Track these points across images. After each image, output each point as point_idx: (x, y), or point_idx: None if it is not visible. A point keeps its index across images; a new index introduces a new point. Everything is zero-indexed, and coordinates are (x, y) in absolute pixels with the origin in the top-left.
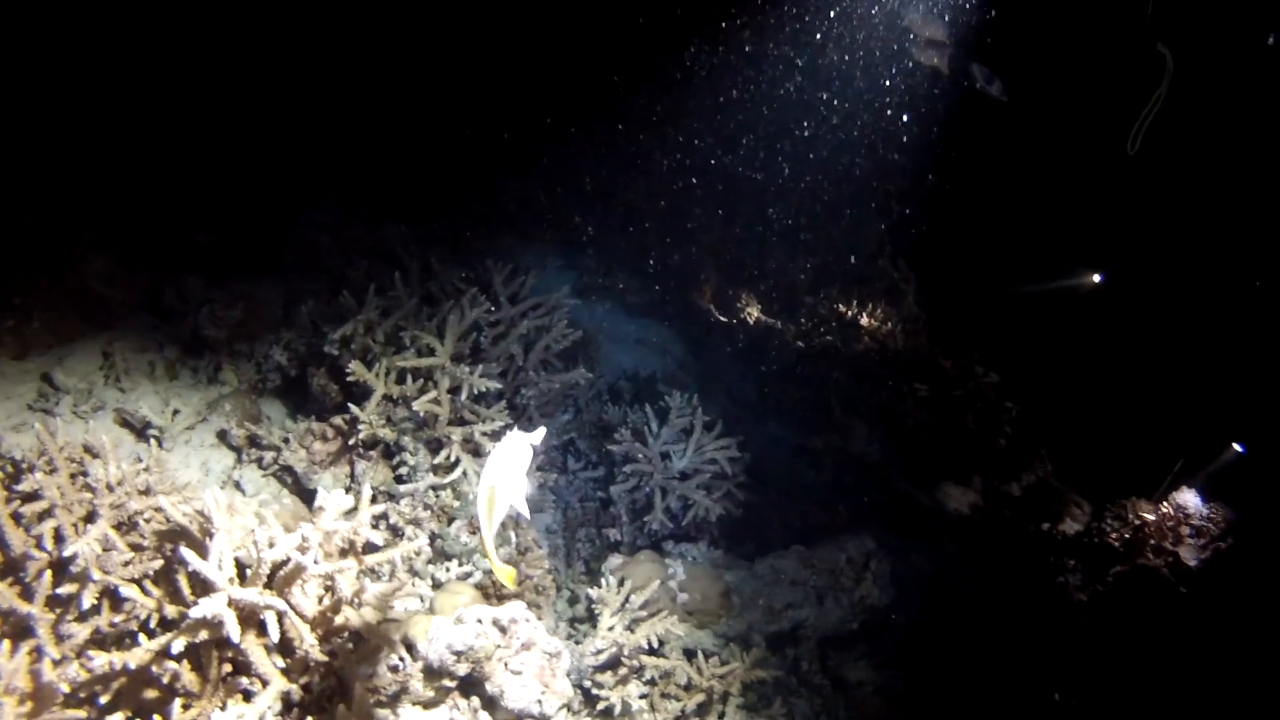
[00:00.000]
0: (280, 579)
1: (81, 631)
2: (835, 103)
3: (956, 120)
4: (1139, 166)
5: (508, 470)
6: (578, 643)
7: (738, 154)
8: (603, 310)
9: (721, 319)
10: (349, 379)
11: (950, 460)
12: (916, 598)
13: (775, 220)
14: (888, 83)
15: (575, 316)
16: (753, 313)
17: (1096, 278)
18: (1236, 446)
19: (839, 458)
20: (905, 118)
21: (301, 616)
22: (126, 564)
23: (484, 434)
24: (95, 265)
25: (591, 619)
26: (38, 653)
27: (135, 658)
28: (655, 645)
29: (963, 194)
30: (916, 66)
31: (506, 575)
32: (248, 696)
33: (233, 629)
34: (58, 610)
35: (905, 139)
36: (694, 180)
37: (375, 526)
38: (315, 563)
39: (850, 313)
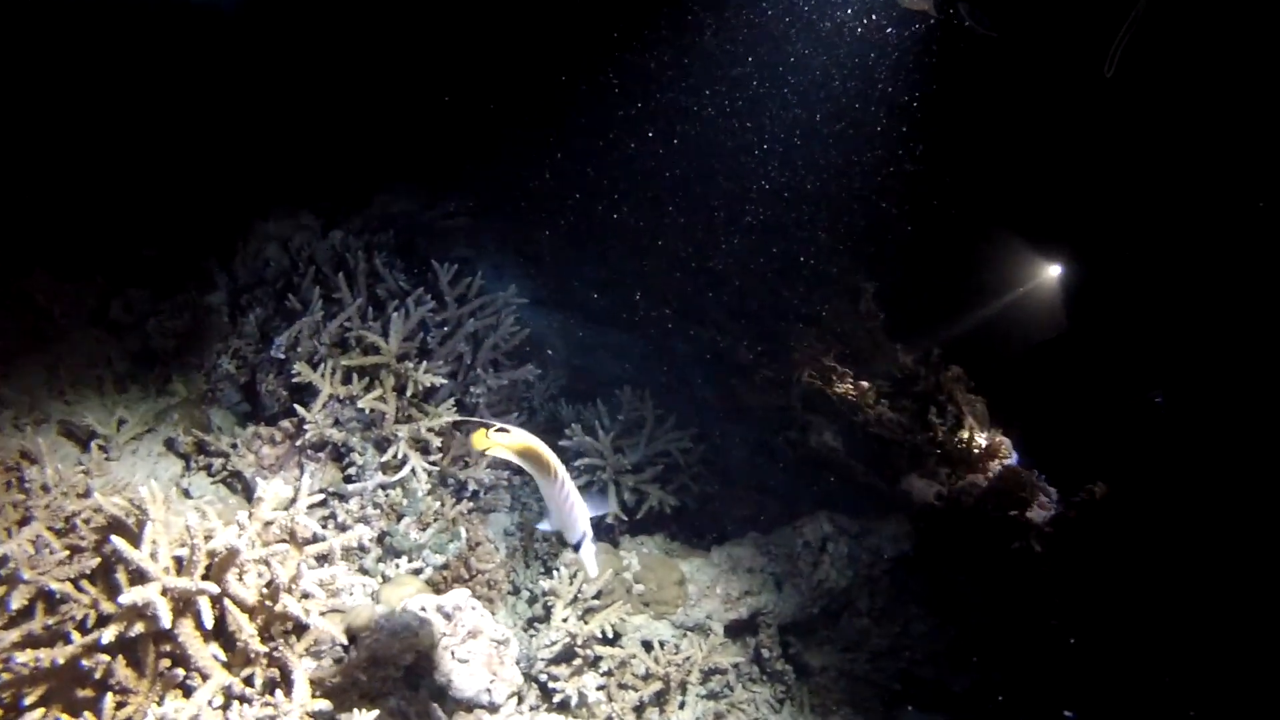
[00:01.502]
0: (216, 566)
1: (10, 635)
2: (794, 102)
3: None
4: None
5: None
6: (533, 638)
7: (697, 157)
8: (560, 317)
9: (682, 322)
10: (295, 380)
11: (913, 453)
12: (878, 580)
13: (734, 221)
14: (850, 76)
15: (531, 322)
16: (713, 315)
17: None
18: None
19: (800, 453)
20: (871, 108)
21: (240, 606)
22: (61, 564)
23: (430, 429)
24: (39, 280)
25: (548, 618)
26: None
27: (64, 653)
28: (611, 635)
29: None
30: (902, 14)
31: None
32: (187, 692)
33: (164, 615)
34: None
35: (873, 130)
36: (653, 183)
37: (323, 525)
38: (251, 547)
39: (809, 311)
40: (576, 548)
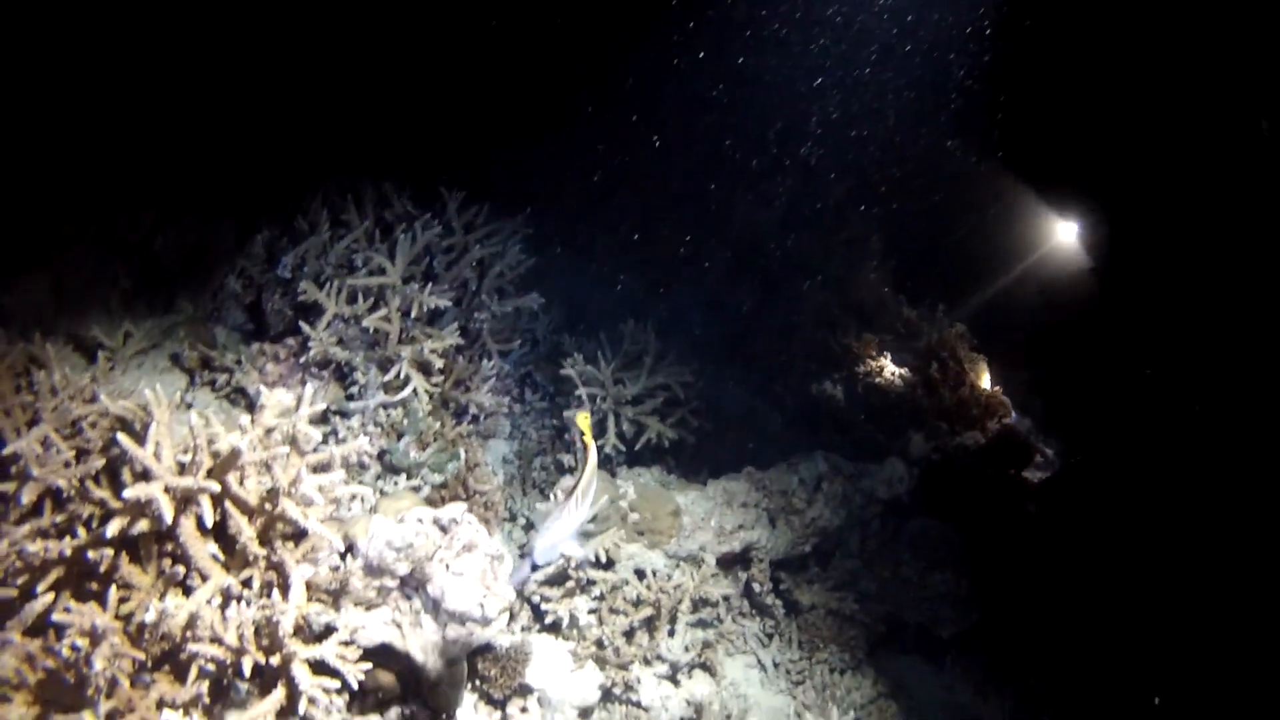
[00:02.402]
0: (218, 467)
1: (21, 529)
2: (808, 48)
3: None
4: None
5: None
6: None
7: (705, 100)
8: (565, 257)
9: (686, 266)
10: (301, 299)
11: (913, 407)
12: (869, 523)
13: (743, 168)
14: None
15: (536, 263)
16: (718, 259)
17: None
18: None
19: (799, 400)
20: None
21: (240, 508)
22: (68, 465)
23: (433, 351)
24: (46, 198)
25: None
26: None
27: (71, 545)
28: (605, 561)
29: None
30: None
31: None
32: (187, 591)
33: (166, 512)
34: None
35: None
36: (660, 126)
37: (324, 442)
38: (252, 449)
39: (815, 261)
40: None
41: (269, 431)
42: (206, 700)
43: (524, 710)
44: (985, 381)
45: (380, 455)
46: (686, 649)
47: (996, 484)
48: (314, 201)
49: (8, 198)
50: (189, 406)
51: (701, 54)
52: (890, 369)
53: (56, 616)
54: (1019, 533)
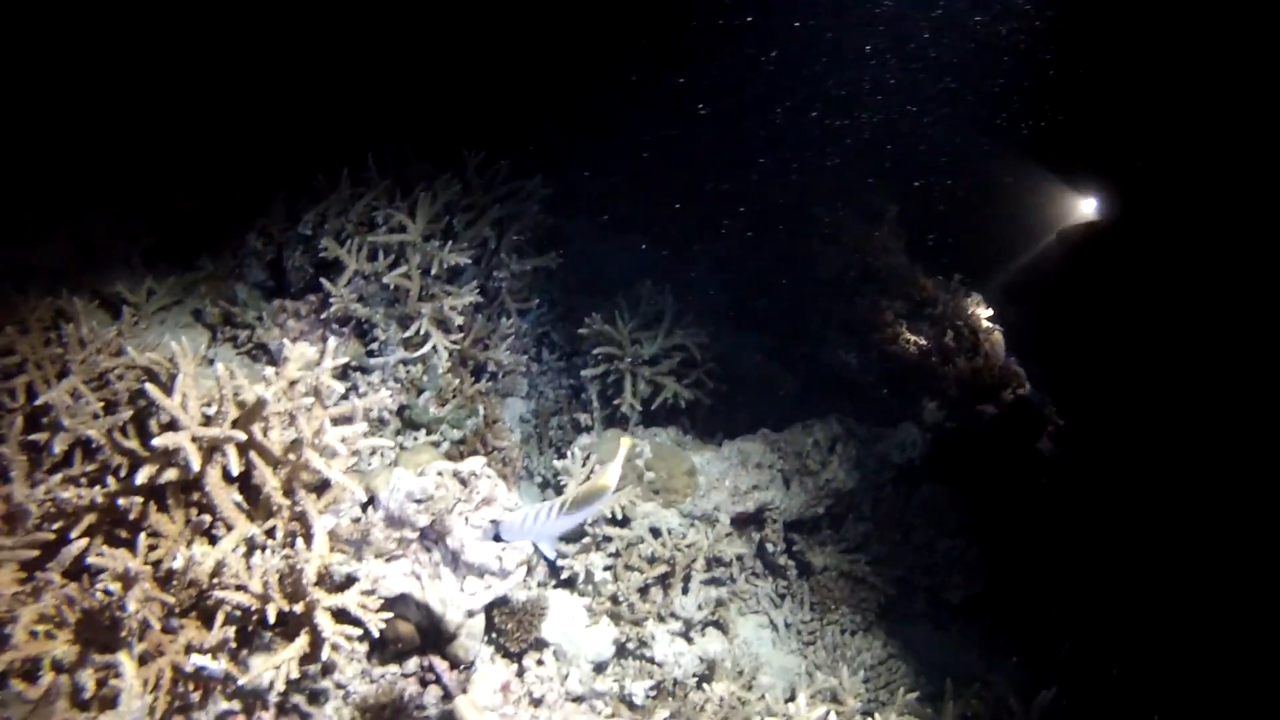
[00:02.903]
0: (243, 417)
1: (54, 477)
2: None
3: None
4: None
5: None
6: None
7: (724, 67)
8: (583, 220)
9: (702, 232)
10: (322, 256)
11: (928, 375)
12: (883, 487)
13: (760, 135)
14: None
15: (554, 225)
16: (733, 225)
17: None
18: None
19: (814, 366)
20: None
21: (265, 458)
22: (97, 416)
23: (453, 308)
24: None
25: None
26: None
27: (103, 492)
28: (620, 518)
29: None
30: None
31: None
32: (213, 540)
33: (193, 460)
34: (32, 457)
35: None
36: (678, 92)
37: (346, 394)
38: (276, 401)
39: (830, 228)
40: (498, 538)
41: (293, 384)
42: (233, 645)
43: (540, 663)
44: (1000, 352)
45: (400, 411)
46: (700, 607)
47: (1009, 454)
48: (334, 160)
49: (33, 160)
50: (210, 363)
51: (724, 21)
52: (905, 336)
53: (91, 560)
54: (1030, 503)
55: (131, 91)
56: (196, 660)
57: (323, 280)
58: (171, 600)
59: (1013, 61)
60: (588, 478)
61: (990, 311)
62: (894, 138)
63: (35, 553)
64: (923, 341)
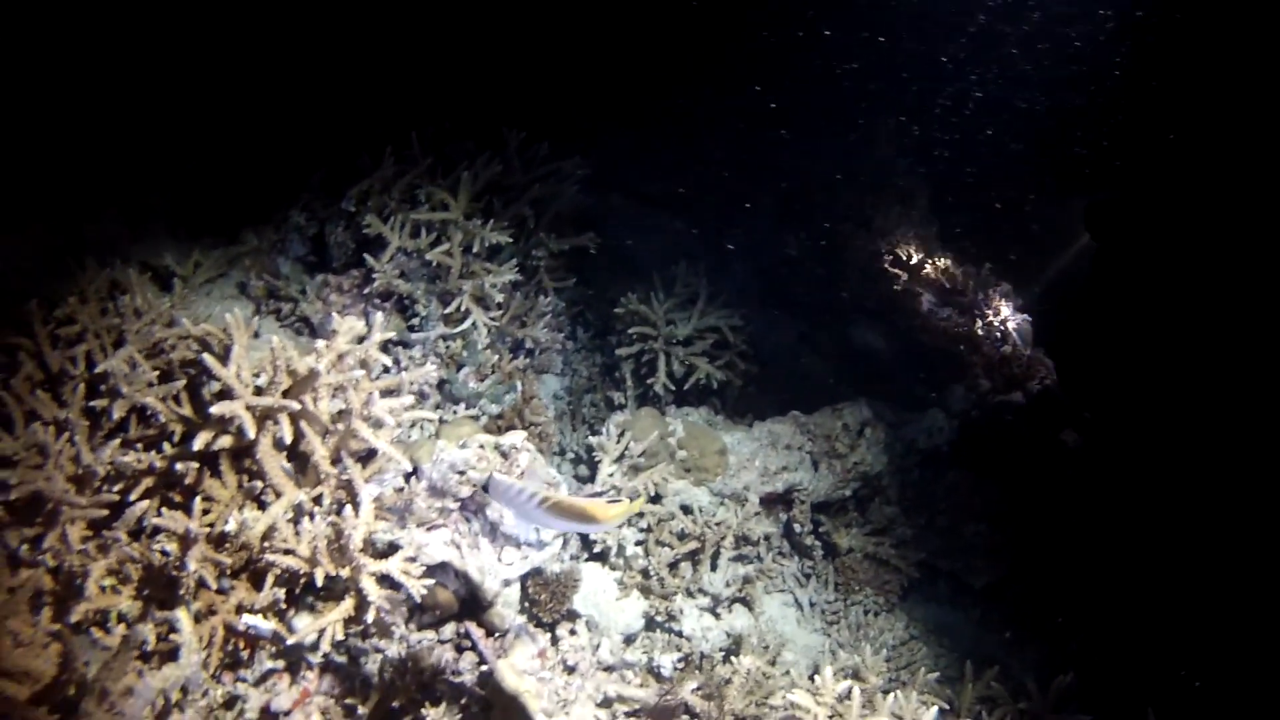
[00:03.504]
0: (294, 388)
1: (113, 443)
2: None
3: None
4: None
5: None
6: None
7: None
8: (616, 198)
9: (736, 213)
10: (365, 232)
11: (956, 362)
12: (909, 471)
13: (793, 117)
14: None
15: (588, 203)
16: (766, 207)
17: None
18: None
19: (843, 347)
20: None
21: (314, 427)
22: (151, 384)
23: (493, 286)
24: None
25: (593, 478)
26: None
27: (162, 457)
28: (653, 494)
29: None
30: None
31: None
32: (262, 506)
33: (249, 428)
34: (92, 422)
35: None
36: (712, 74)
37: (389, 357)
38: (327, 371)
39: (863, 212)
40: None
41: (342, 356)
42: (282, 606)
43: (573, 633)
44: (1028, 342)
45: (440, 385)
46: (727, 584)
47: (1035, 443)
48: (375, 138)
49: (86, 135)
50: (255, 334)
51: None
52: (934, 323)
53: (155, 521)
54: (1054, 492)
55: (179, 67)
56: (247, 619)
57: (366, 256)
58: (227, 561)
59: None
60: (620, 457)
61: (1019, 301)
62: (930, 125)
63: (105, 513)
64: (951, 328)
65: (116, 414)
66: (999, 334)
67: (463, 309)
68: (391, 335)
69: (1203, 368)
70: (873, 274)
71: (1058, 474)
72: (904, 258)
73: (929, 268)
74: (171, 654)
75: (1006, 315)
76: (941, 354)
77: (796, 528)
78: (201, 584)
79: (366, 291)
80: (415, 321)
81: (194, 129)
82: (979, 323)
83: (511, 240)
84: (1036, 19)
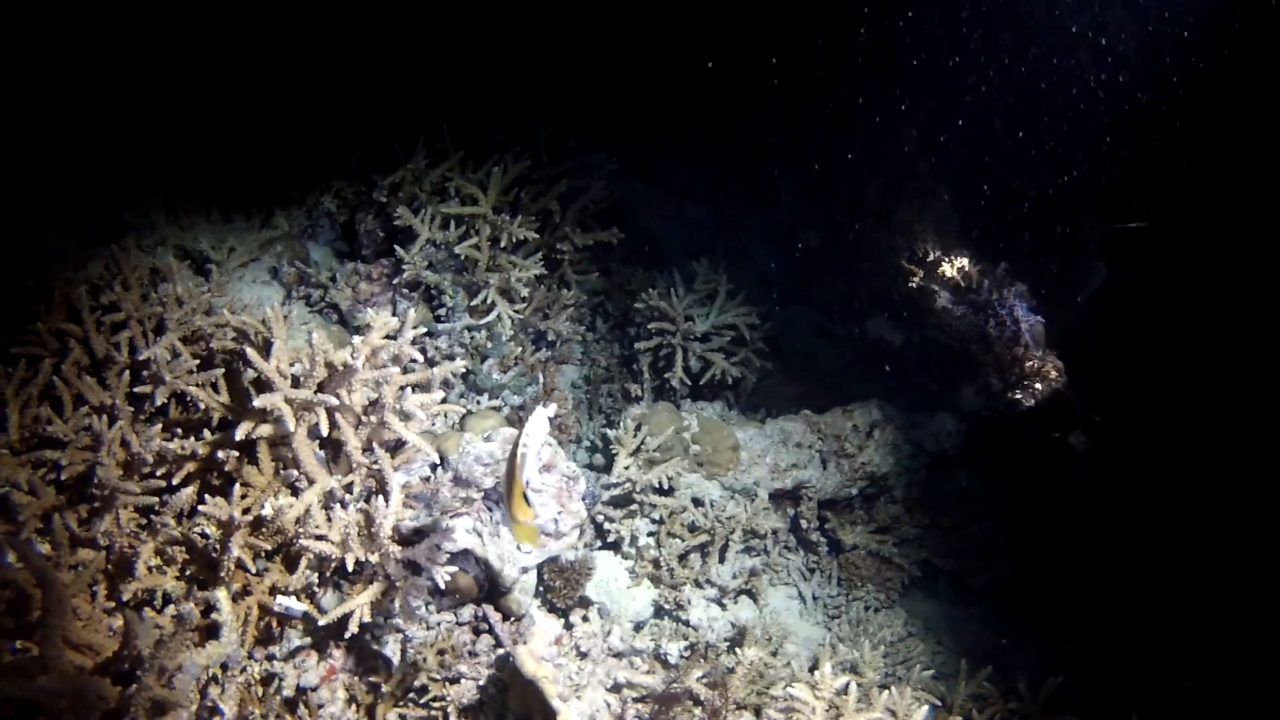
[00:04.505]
0: (330, 383)
1: (155, 428)
2: None
3: None
4: None
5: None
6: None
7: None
8: (640, 187)
9: (758, 204)
10: (396, 224)
11: (968, 361)
12: (915, 472)
13: (814, 110)
14: None
15: (612, 191)
16: (787, 199)
17: None
18: None
19: (858, 344)
20: None
21: (347, 418)
22: (191, 372)
23: (518, 280)
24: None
25: (609, 467)
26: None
27: (202, 444)
28: (666, 487)
29: None
30: None
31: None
32: (295, 492)
33: (289, 421)
34: (136, 407)
35: None
36: (738, 64)
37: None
38: (362, 367)
39: (882, 208)
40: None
41: (375, 351)
42: (315, 589)
43: (585, 619)
44: (1040, 343)
45: (464, 375)
46: (734, 576)
47: (1041, 445)
48: (405, 126)
49: (124, 119)
50: (285, 319)
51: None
52: (949, 320)
53: (200, 507)
54: (1059, 495)
55: (212, 51)
56: (281, 600)
57: (396, 247)
58: (264, 545)
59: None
60: (636, 450)
61: (1033, 302)
62: (954, 126)
63: (155, 499)
64: (965, 327)
65: (160, 400)
66: (1011, 334)
67: (489, 301)
68: (422, 330)
69: (1211, 376)
70: (890, 269)
71: (1064, 476)
72: (921, 254)
73: (946, 265)
74: (210, 630)
75: (1020, 316)
76: (955, 352)
77: (803, 524)
78: (240, 566)
79: (395, 282)
80: (441, 312)
81: (226, 106)
82: (992, 322)
83: (537, 235)
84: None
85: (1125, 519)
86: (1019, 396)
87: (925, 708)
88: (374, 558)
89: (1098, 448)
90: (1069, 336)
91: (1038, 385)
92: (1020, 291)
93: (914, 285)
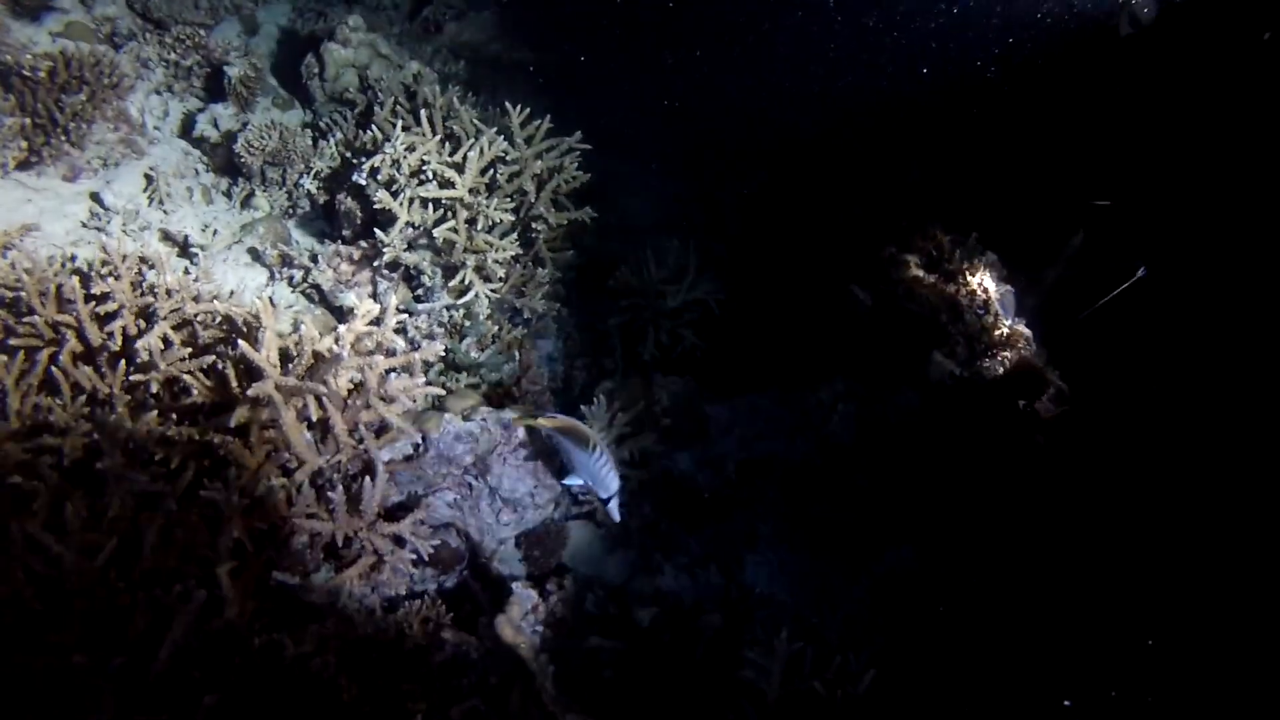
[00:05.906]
0: (317, 370)
1: (151, 414)
2: None
3: None
4: None
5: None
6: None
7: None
8: (613, 161)
9: (731, 176)
10: (375, 207)
11: (937, 330)
12: (877, 442)
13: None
14: None
15: (587, 167)
16: (759, 171)
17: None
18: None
19: (828, 316)
20: None
21: (334, 402)
22: (183, 360)
23: (495, 260)
24: (136, 95)
25: None
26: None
27: (197, 429)
28: (637, 459)
29: None
30: None
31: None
32: (286, 473)
33: (281, 409)
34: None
35: None
36: (708, 29)
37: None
38: (348, 355)
39: (851, 178)
40: (607, 501)
41: (360, 338)
42: (305, 564)
43: (560, 586)
44: (1010, 312)
45: (444, 354)
46: (704, 544)
47: (1007, 412)
48: (383, 109)
49: None
50: (270, 301)
51: None
52: (918, 291)
53: (201, 493)
54: (1024, 462)
55: None
56: (277, 575)
57: (376, 231)
58: (264, 525)
59: None
60: (611, 421)
61: (1004, 271)
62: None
63: (159, 486)
64: (934, 297)
65: (155, 388)
66: (981, 303)
67: (466, 281)
68: (404, 316)
69: (1184, 351)
70: (861, 241)
71: (1028, 442)
72: (893, 222)
73: (917, 234)
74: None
75: (989, 285)
76: (924, 321)
77: (770, 493)
78: (238, 545)
79: (376, 264)
80: (420, 292)
81: None
82: (962, 291)
83: (513, 217)
84: None
85: (1090, 486)
86: (987, 364)
87: None
88: (362, 533)
89: (1064, 416)
90: (1038, 305)
91: (1006, 354)
92: (991, 260)
93: (884, 256)
